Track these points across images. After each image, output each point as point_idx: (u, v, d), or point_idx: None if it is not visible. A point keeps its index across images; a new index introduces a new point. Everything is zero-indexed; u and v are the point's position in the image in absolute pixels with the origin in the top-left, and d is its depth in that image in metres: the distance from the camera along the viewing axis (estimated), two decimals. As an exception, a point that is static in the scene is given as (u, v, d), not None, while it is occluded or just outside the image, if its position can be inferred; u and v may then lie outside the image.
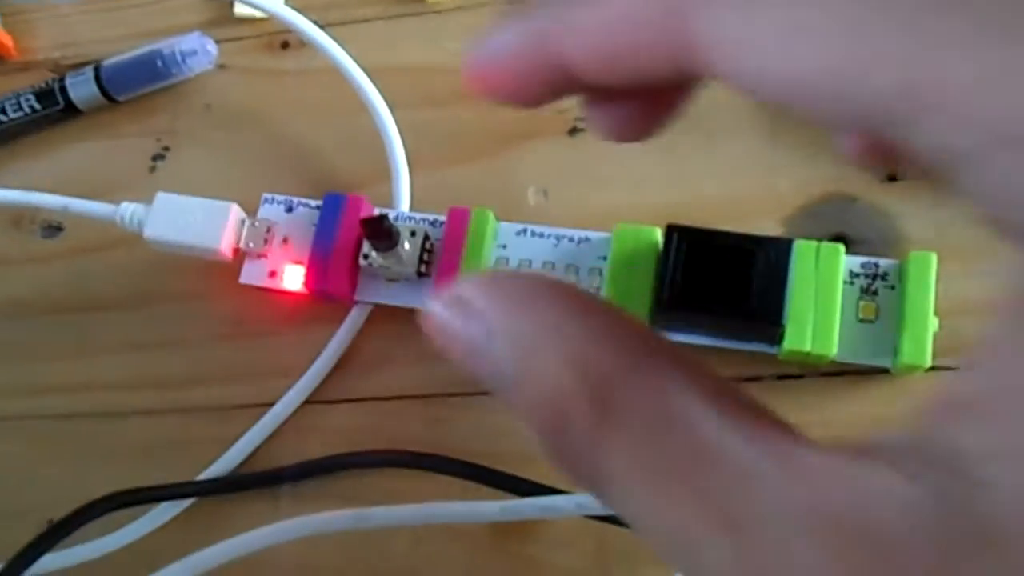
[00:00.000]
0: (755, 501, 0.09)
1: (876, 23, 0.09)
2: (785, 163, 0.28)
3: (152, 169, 0.31)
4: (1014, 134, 0.08)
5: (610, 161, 0.28)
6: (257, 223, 0.27)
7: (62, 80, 0.31)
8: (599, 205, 0.28)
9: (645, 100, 0.14)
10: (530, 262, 0.26)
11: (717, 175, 0.28)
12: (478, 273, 0.13)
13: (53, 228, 0.31)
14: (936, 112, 0.09)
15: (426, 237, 0.26)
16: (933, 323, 0.23)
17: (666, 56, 0.11)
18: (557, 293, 0.12)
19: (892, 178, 0.27)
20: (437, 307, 0.12)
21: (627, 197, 0.28)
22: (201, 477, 0.27)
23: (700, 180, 0.28)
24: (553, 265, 0.26)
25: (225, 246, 0.27)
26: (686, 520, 0.10)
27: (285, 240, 0.27)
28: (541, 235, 0.26)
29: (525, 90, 0.14)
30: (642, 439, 0.10)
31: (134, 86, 0.31)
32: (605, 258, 0.26)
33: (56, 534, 0.24)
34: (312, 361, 0.27)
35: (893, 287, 0.24)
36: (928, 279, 0.24)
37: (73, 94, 0.31)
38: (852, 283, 0.24)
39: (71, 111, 0.32)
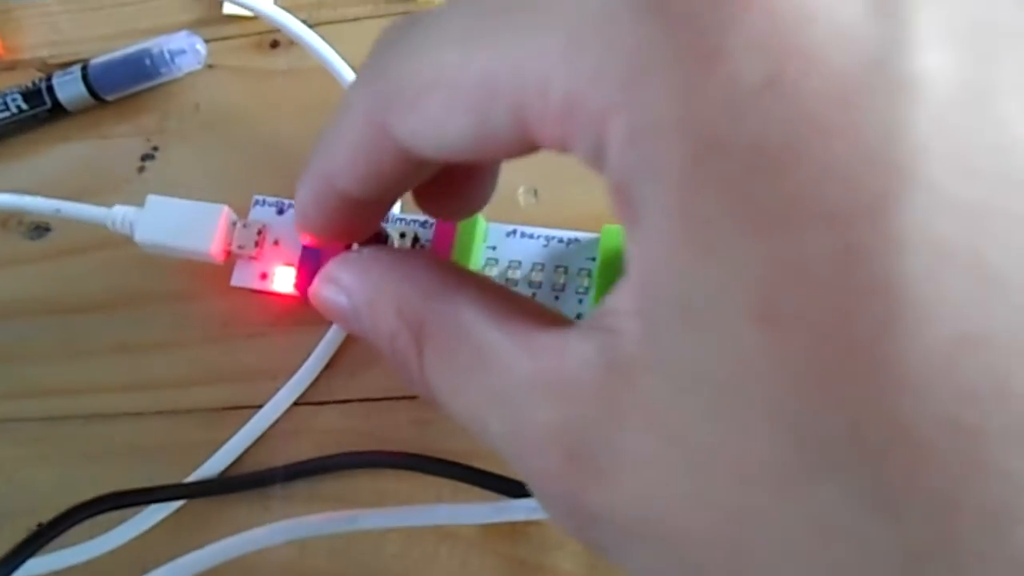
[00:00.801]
0: (508, 380, 0.13)
1: (488, 92, 0.12)
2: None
3: (141, 169, 0.31)
4: (560, 113, 0.11)
5: (600, 162, 0.28)
6: (248, 225, 0.27)
7: (49, 79, 0.31)
8: (589, 206, 0.28)
9: (452, 187, 0.17)
10: (520, 263, 0.26)
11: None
12: (341, 255, 0.17)
13: (40, 229, 0.31)
14: (538, 124, 0.12)
15: (415, 239, 0.26)
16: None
17: (395, 159, 0.14)
18: (384, 261, 0.16)
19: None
20: (317, 286, 0.17)
21: (617, 198, 0.28)
22: (190, 479, 0.27)
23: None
24: (543, 266, 0.26)
25: (216, 249, 0.27)
26: (475, 406, 0.13)
27: (276, 242, 0.27)
28: (531, 236, 0.26)
29: (348, 229, 0.17)
30: (444, 353, 0.14)
31: (122, 85, 0.31)
32: (594, 259, 0.26)
33: (43, 537, 0.24)
34: (302, 363, 0.27)
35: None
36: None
37: (60, 94, 0.31)
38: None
39: (58, 111, 0.31)
